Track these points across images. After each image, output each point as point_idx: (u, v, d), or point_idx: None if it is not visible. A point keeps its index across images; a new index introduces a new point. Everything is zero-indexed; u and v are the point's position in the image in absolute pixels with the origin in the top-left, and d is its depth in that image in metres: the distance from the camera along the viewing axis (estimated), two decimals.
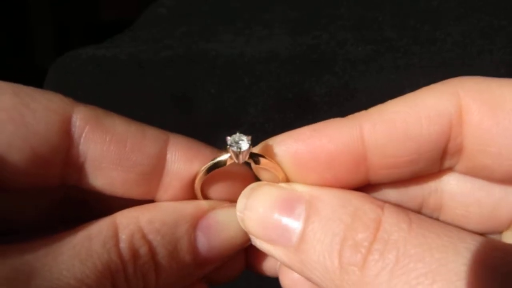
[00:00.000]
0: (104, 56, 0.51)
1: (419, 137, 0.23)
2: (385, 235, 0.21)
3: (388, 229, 0.21)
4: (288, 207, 0.23)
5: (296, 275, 0.26)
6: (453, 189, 0.26)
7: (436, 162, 0.24)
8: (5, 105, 0.22)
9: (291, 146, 0.24)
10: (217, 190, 0.27)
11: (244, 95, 0.48)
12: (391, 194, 0.26)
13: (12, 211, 0.25)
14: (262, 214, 0.23)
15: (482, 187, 0.25)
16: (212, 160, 0.25)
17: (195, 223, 0.25)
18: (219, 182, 0.26)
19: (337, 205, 0.22)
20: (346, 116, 0.24)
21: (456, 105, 0.23)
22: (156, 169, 0.25)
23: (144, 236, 0.23)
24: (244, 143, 0.24)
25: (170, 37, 0.54)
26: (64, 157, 0.23)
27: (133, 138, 0.24)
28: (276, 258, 0.24)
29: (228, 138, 0.24)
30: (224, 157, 0.25)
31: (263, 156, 0.24)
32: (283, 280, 0.27)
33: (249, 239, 0.26)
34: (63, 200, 0.27)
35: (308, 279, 0.23)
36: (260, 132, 0.46)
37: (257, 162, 0.24)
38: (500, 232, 0.25)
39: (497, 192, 0.25)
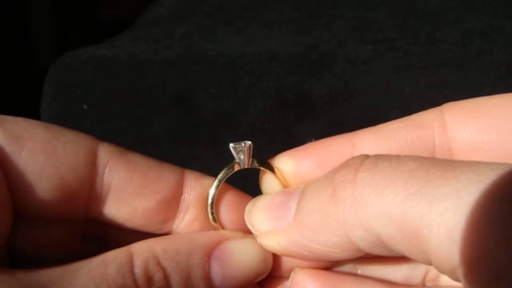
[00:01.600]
0: (104, 56, 0.51)
1: (403, 139, 0.25)
2: (373, 158, 0.22)
3: (375, 156, 0.22)
4: (287, 194, 0.25)
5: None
6: None
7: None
8: (39, 137, 0.24)
9: (290, 153, 0.27)
10: (229, 220, 0.28)
11: (244, 95, 0.48)
12: None
13: (34, 241, 0.26)
14: (264, 205, 0.25)
15: None
16: (219, 174, 0.27)
17: (209, 252, 0.26)
18: (230, 212, 0.28)
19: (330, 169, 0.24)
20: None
21: (438, 116, 0.25)
22: (174, 197, 0.27)
23: (158, 263, 0.24)
24: (246, 142, 0.26)
25: (170, 37, 0.54)
26: (89, 188, 0.25)
27: (153, 168, 0.26)
28: (281, 249, 0.25)
29: (231, 144, 0.26)
30: (230, 165, 0.27)
31: (266, 161, 0.26)
32: None
33: (263, 272, 0.27)
34: (83, 235, 0.28)
35: (311, 251, 0.23)
36: (260, 132, 0.46)
37: (261, 165, 0.27)
38: None
39: None
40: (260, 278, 0.27)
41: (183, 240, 0.26)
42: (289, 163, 0.27)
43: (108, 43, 0.54)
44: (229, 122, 0.48)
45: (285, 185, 0.27)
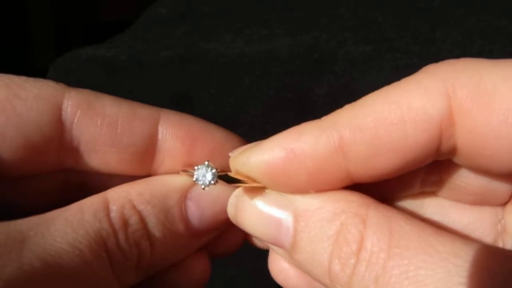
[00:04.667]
0: (104, 56, 0.51)
1: (405, 147, 0.21)
2: (366, 256, 0.21)
3: (369, 249, 0.21)
4: (277, 215, 0.23)
5: (285, 264, 0.26)
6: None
7: (428, 160, 0.23)
8: None
9: (266, 167, 0.23)
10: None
11: (244, 95, 0.48)
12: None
13: (12, 196, 0.26)
14: (252, 229, 0.24)
15: (461, 209, 0.26)
16: (192, 172, 0.25)
17: (185, 193, 0.26)
18: (207, 157, 0.27)
19: (323, 220, 0.22)
20: (321, 120, 0.22)
21: (446, 106, 0.20)
22: (148, 148, 0.26)
23: (134, 207, 0.24)
24: (209, 176, 0.24)
25: (170, 37, 0.54)
26: (58, 143, 0.24)
27: (123, 119, 0.25)
28: (275, 250, 0.25)
29: (196, 168, 0.24)
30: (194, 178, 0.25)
31: (236, 179, 0.24)
32: (272, 268, 0.27)
33: None
34: (63, 184, 0.27)
35: (298, 269, 0.24)
36: (260, 132, 0.46)
37: (231, 183, 0.24)
38: (501, 205, 0.25)
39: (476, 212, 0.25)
40: None
41: (159, 183, 0.26)
42: (265, 178, 0.23)
43: (108, 43, 0.54)
44: (229, 122, 0.48)
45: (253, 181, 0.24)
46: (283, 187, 0.23)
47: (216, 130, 0.27)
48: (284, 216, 0.23)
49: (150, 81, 0.50)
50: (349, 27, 0.52)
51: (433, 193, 0.26)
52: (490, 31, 0.49)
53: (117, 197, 0.24)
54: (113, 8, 1.30)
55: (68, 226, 0.22)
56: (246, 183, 0.24)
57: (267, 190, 0.24)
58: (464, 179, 0.25)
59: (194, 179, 0.24)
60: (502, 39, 0.48)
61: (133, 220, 0.24)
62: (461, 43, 0.49)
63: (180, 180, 0.26)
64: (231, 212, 0.25)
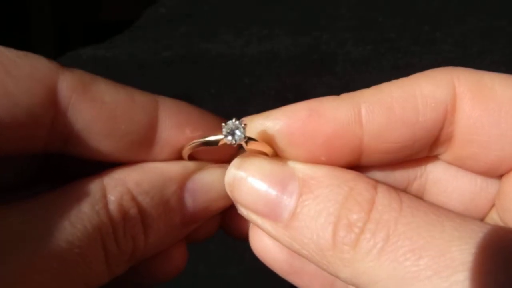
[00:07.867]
0: (104, 56, 0.51)
1: (416, 124, 0.23)
2: (377, 215, 0.21)
3: (381, 209, 0.21)
4: (281, 182, 0.23)
5: (267, 240, 0.26)
6: (437, 176, 0.26)
7: (426, 148, 0.24)
8: None
9: (286, 125, 0.23)
10: (203, 151, 0.26)
11: (244, 95, 0.48)
12: (377, 177, 0.26)
13: None
14: (252, 187, 0.23)
15: (465, 176, 0.26)
16: (204, 138, 0.24)
17: (182, 184, 0.25)
18: (207, 156, 0.26)
19: (332, 185, 0.22)
20: (342, 95, 0.24)
21: (451, 94, 0.23)
22: (147, 137, 0.24)
23: (133, 198, 0.23)
24: (239, 132, 0.23)
25: (170, 37, 0.54)
26: (49, 127, 0.22)
27: (122, 106, 0.23)
28: (263, 229, 0.23)
29: (224, 125, 0.23)
30: (217, 137, 0.23)
31: (256, 140, 0.23)
32: (254, 245, 0.27)
33: (229, 203, 0.25)
34: (40, 164, 0.26)
35: (296, 252, 0.23)
36: None
37: (249, 145, 0.23)
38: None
39: (479, 182, 0.25)
40: (225, 207, 0.26)
41: (156, 172, 0.24)
42: (283, 139, 0.23)
43: (108, 43, 0.54)
44: None
45: (272, 154, 0.24)
46: (297, 151, 0.23)
47: (212, 118, 0.25)
48: (289, 180, 0.22)
49: (150, 81, 0.50)
50: (349, 27, 0.52)
51: (436, 157, 0.26)
52: (490, 31, 0.49)
53: (114, 184, 0.23)
54: (113, 8, 1.30)
55: (65, 220, 0.20)
56: (261, 151, 0.23)
57: (272, 159, 0.24)
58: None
59: (223, 135, 0.23)
60: (502, 39, 0.48)
61: (132, 213, 0.22)
62: (461, 43, 0.49)
63: (177, 168, 0.25)
64: (228, 180, 0.24)
